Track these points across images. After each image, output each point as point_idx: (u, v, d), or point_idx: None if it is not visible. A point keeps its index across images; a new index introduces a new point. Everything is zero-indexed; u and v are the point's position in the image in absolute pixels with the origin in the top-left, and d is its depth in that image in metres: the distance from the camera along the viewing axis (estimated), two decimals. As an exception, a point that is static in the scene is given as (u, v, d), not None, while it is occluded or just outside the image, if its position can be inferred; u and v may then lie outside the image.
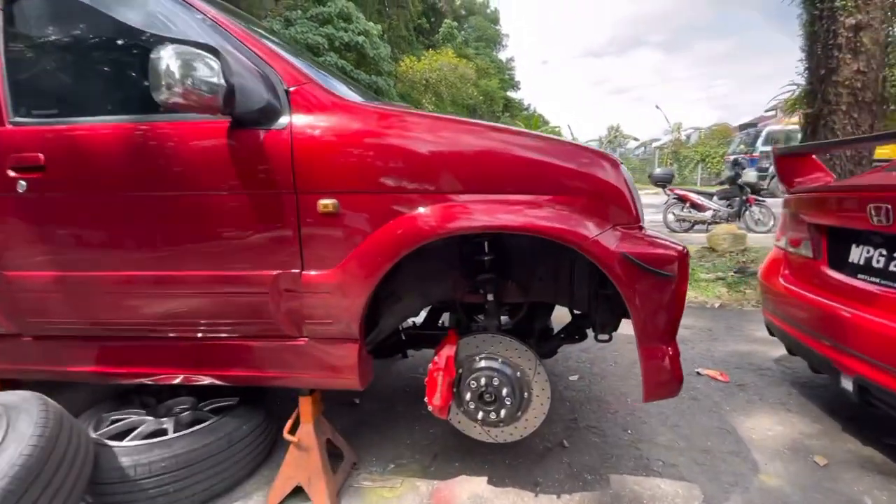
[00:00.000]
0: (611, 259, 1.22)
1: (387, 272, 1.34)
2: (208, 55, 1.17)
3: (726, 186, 7.47)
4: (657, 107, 52.51)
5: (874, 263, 1.66)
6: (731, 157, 10.63)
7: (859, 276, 1.72)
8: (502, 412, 1.43)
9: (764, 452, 1.80)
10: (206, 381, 1.54)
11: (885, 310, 1.54)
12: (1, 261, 1.50)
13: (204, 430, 1.55)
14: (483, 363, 1.45)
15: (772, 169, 13.58)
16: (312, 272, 1.37)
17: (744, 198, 7.21)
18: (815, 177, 2.18)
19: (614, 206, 1.29)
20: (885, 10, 4.08)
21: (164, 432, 1.59)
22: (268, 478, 1.67)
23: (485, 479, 1.67)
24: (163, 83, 1.12)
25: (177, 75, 1.12)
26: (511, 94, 31.70)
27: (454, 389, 1.47)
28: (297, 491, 1.55)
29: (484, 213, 1.27)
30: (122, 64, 1.54)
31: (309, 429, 1.56)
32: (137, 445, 1.46)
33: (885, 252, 1.63)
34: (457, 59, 18.87)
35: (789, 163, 2.23)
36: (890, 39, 4.22)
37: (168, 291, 1.43)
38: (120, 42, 1.52)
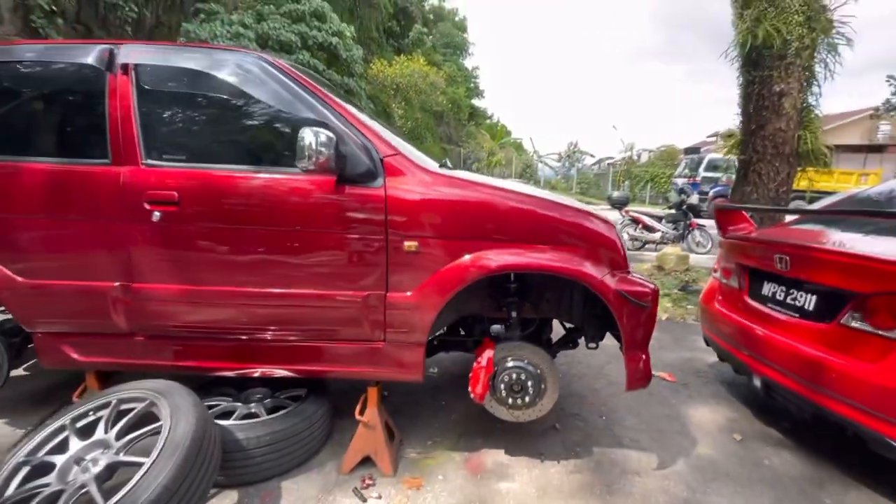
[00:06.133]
0: (611, 294, 1.80)
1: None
2: (330, 133, 1.65)
3: (673, 211, 8.47)
4: (614, 127, 55.73)
5: (778, 296, 2.35)
6: (678, 184, 11.95)
7: (768, 304, 2.40)
8: (526, 399, 1.96)
9: (700, 432, 2.45)
10: (308, 372, 1.98)
11: (784, 330, 2.23)
12: (132, 274, 1.86)
13: (293, 412, 1.97)
14: (512, 363, 1.98)
15: (711, 192, 15.23)
16: (395, 294, 1.84)
17: (687, 222, 8.23)
18: (743, 227, 2.89)
19: (612, 255, 1.87)
20: (801, 81, 5.04)
21: (255, 415, 2.00)
22: (332, 452, 2.11)
23: (502, 450, 2.20)
24: (306, 154, 1.60)
25: (314, 148, 1.59)
26: (476, 102, 32.70)
27: (491, 382, 1.99)
28: (361, 461, 2.01)
29: (525, 257, 1.80)
30: (247, 126, 1.95)
31: (374, 411, 2.02)
32: (245, 424, 1.87)
33: (784, 289, 2.32)
34: (427, 68, 19.34)
35: (725, 215, 2.93)
36: (804, 105, 5.19)
37: (281, 304, 1.86)
38: (242, 107, 1.92)
